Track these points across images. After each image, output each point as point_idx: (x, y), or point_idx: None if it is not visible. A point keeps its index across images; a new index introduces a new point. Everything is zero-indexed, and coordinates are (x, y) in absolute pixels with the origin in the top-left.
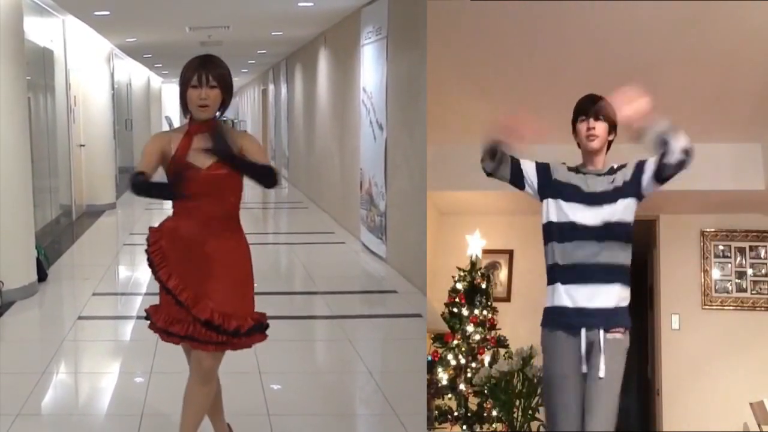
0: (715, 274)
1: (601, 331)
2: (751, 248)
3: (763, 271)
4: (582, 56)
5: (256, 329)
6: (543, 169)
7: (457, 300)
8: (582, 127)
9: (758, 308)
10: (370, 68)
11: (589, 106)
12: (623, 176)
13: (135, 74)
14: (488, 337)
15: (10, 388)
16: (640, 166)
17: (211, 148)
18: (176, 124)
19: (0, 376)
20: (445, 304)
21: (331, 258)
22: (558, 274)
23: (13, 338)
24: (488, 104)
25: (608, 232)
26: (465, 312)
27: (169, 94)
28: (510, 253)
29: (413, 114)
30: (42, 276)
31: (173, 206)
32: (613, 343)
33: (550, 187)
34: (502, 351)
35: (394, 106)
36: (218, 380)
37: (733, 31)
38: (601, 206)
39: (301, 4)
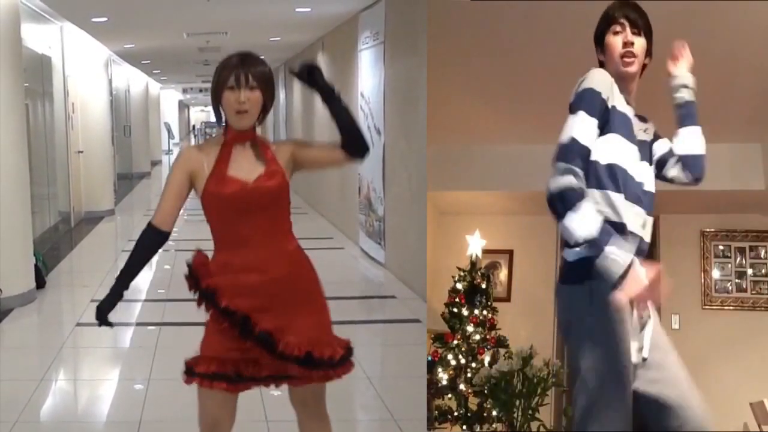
0: (715, 274)
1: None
2: (751, 248)
3: (763, 271)
4: (582, 56)
5: (348, 355)
6: (598, 106)
7: (457, 300)
8: (615, 41)
9: (758, 308)
10: (368, 73)
11: (626, 13)
12: (652, 131)
13: (133, 80)
14: (488, 337)
15: (8, 395)
16: (656, 138)
17: (305, 73)
18: (175, 130)
19: None
20: (445, 304)
21: (330, 263)
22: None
23: (11, 345)
24: (488, 104)
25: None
26: (465, 312)
27: (168, 100)
28: (510, 253)
29: (411, 119)
30: (40, 283)
31: (216, 237)
32: None
33: (608, 117)
34: (502, 351)
35: (391, 111)
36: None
37: (733, 32)
38: (643, 160)
39: (298, 9)
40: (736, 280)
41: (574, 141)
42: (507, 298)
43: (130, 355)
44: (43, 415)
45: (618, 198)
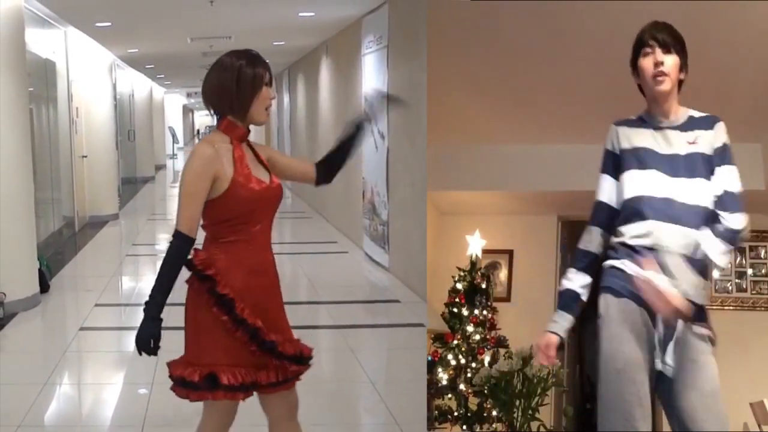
0: (715, 274)
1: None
2: (751, 248)
3: (763, 271)
4: (582, 56)
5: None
6: (607, 161)
7: (457, 300)
8: (647, 63)
9: (758, 308)
10: (372, 77)
11: (654, 34)
12: (709, 143)
13: (137, 85)
14: (488, 337)
15: (12, 399)
16: (721, 157)
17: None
18: (179, 135)
19: (2, 387)
20: (445, 304)
21: (334, 267)
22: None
23: (15, 349)
24: (488, 104)
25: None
26: (465, 312)
27: (172, 104)
28: (510, 253)
29: (414, 123)
30: (44, 287)
31: (222, 233)
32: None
33: (621, 161)
34: (502, 351)
35: (395, 115)
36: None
37: (733, 31)
38: (679, 176)
39: (302, 14)
40: (736, 280)
41: (597, 203)
42: (507, 298)
43: (134, 359)
44: (47, 419)
45: (642, 225)
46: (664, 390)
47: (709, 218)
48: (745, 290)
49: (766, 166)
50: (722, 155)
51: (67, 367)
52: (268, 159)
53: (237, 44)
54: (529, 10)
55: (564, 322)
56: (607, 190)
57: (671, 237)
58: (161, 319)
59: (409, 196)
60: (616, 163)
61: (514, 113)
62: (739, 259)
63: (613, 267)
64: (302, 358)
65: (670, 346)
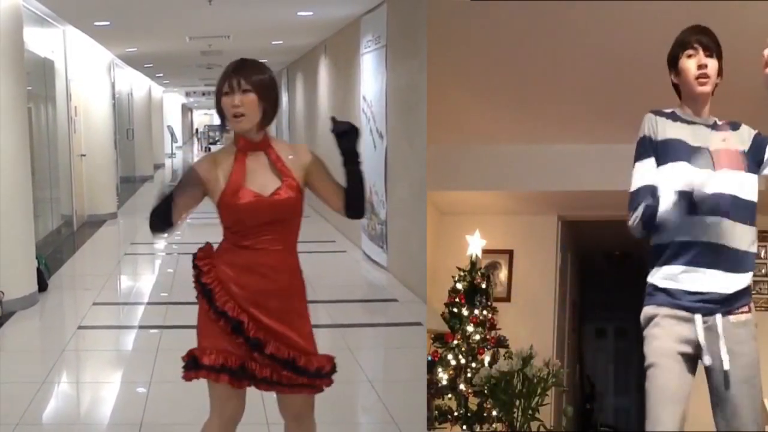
0: None
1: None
2: None
3: (763, 271)
4: (582, 56)
5: (333, 370)
6: (646, 146)
7: (457, 300)
8: (690, 64)
9: (758, 308)
10: (370, 77)
11: (699, 38)
12: (740, 141)
13: (136, 84)
14: (488, 337)
15: (10, 397)
16: (759, 141)
17: (341, 136)
18: (178, 134)
19: (0, 386)
20: (445, 304)
21: (333, 267)
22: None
23: (13, 348)
24: (488, 104)
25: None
26: (465, 312)
27: (171, 103)
28: (510, 253)
29: (413, 122)
30: (43, 286)
31: (226, 238)
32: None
33: (657, 151)
34: (502, 351)
35: (393, 114)
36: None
37: (733, 32)
38: (717, 169)
39: (301, 13)
40: None
41: (640, 187)
42: (507, 298)
43: (132, 358)
44: (45, 417)
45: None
46: (708, 382)
47: (753, 211)
48: None
49: None
50: (758, 141)
51: (65, 365)
52: (306, 168)
53: (235, 43)
54: (528, 10)
55: None
56: (649, 175)
57: (717, 230)
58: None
59: (408, 196)
60: (652, 148)
61: (514, 113)
62: None
63: (654, 285)
64: (295, 367)
65: (715, 341)
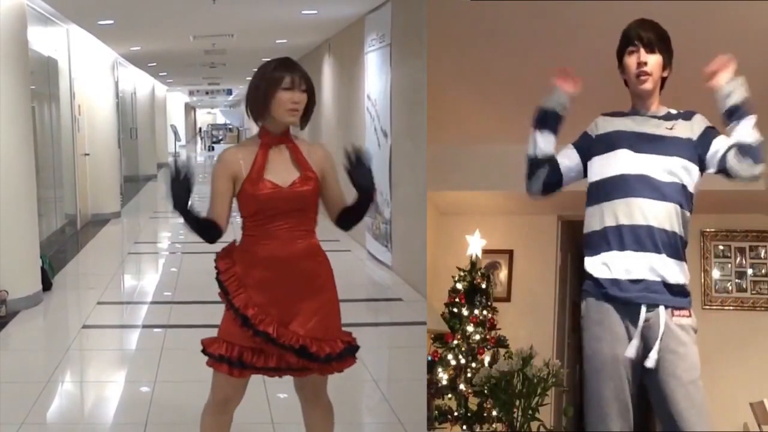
0: (715, 274)
1: (661, 308)
2: (751, 248)
3: (763, 271)
4: (582, 56)
5: (347, 352)
6: (581, 139)
7: (457, 300)
8: (631, 61)
9: (758, 308)
10: (375, 75)
11: (640, 33)
12: (688, 130)
13: (139, 83)
14: (488, 337)
15: (14, 397)
16: (708, 135)
17: (359, 180)
18: (182, 133)
19: (5, 385)
20: (445, 304)
21: (337, 266)
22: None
23: (17, 347)
24: (488, 104)
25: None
26: (465, 312)
27: (174, 102)
28: (510, 253)
29: (417, 121)
30: (47, 285)
31: (246, 227)
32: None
33: (592, 146)
34: (502, 351)
35: (398, 113)
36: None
37: (733, 31)
38: (651, 154)
39: (305, 12)
40: (736, 280)
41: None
42: (507, 298)
43: (137, 358)
44: (50, 417)
45: (619, 202)
46: (650, 383)
47: (687, 195)
48: (745, 290)
49: (766, 166)
50: (708, 135)
51: (69, 365)
52: (321, 171)
53: (239, 42)
54: (529, 9)
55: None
56: (566, 154)
57: (645, 210)
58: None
59: (412, 195)
60: (585, 141)
61: (514, 113)
62: (739, 259)
63: (590, 275)
64: (308, 353)
65: (654, 340)
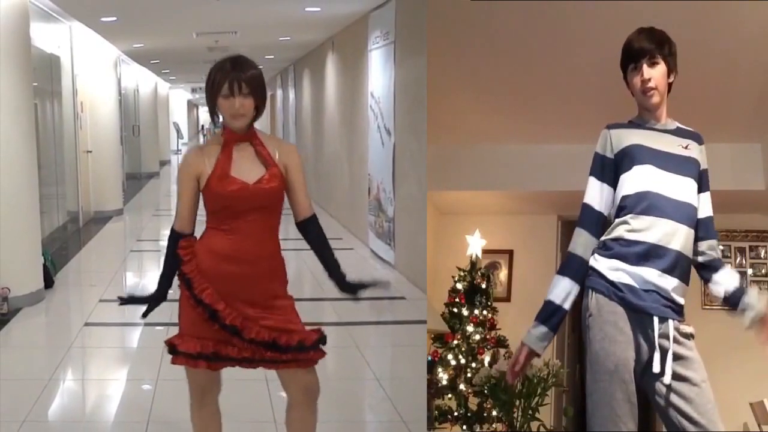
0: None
1: (670, 321)
2: (751, 248)
3: (763, 271)
4: (582, 56)
5: (319, 342)
6: (602, 167)
7: (457, 300)
8: (635, 79)
9: None
10: (378, 73)
11: (641, 47)
12: (698, 153)
13: (142, 80)
14: (488, 337)
15: (16, 394)
16: (704, 179)
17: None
18: (184, 130)
19: (7, 383)
20: (445, 304)
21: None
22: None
23: (19, 345)
24: (488, 104)
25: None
26: (465, 312)
27: (177, 99)
28: (510, 253)
29: (421, 119)
30: (49, 282)
31: (210, 221)
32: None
33: (615, 165)
34: (502, 351)
35: (401, 111)
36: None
37: (733, 32)
38: (673, 173)
39: (308, 9)
40: None
41: (584, 206)
42: (507, 298)
43: (138, 355)
44: (51, 414)
45: (641, 220)
46: (655, 389)
47: (695, 218)
48: None
49: (766, 166)
50: (706, 179)
51: (71, 362)
52: (285, 166)
53: (243, 39)
54: (529, 9)
55: (538, 332)
56: (595, 194)
57: (668, 233)
58: (164, 297)
59: (416, 193)
60: (607, 166)
61: (514, 113)
62: (739, 259)
63: (602, 274)
64: (277, 346)
65: (668, 348)
